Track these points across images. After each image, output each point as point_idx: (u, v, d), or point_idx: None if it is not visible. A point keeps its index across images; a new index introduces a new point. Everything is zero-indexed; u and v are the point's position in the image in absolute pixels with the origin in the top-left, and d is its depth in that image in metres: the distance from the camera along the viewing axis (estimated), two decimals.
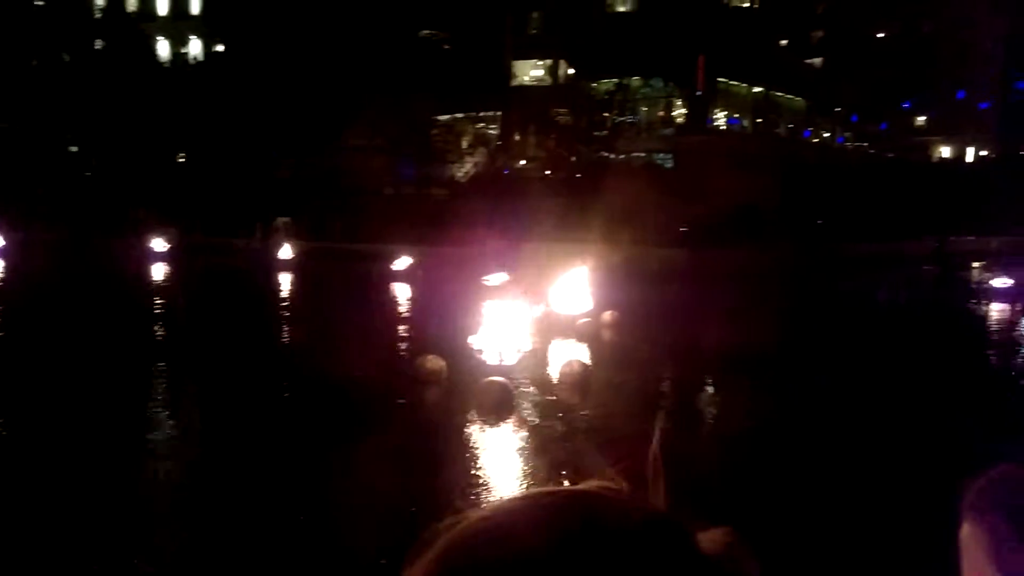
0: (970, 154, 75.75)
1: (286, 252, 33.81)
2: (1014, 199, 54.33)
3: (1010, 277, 26.88)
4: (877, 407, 10.95)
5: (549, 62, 57.68)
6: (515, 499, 0.57)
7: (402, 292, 26.24)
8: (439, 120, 52.49)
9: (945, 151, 76.14)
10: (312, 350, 14.22)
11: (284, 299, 25.62)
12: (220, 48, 58.00)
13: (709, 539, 0.58)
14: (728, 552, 0.58)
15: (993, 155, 73.61)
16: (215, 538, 6.82)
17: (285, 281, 29.43)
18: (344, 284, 26.54)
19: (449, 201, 44.94)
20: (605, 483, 0.59)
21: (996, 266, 31.59)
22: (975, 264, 38.22)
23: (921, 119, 77.94)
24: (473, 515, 0.56)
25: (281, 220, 39.57)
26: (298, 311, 22.20)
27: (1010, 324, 22.20)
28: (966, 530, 0.91)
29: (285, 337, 17.32)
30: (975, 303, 25.40)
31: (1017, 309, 23.95)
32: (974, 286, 30.58)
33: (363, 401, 10.95)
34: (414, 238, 33.69)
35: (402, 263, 29.88)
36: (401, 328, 18.82)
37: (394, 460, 8.28)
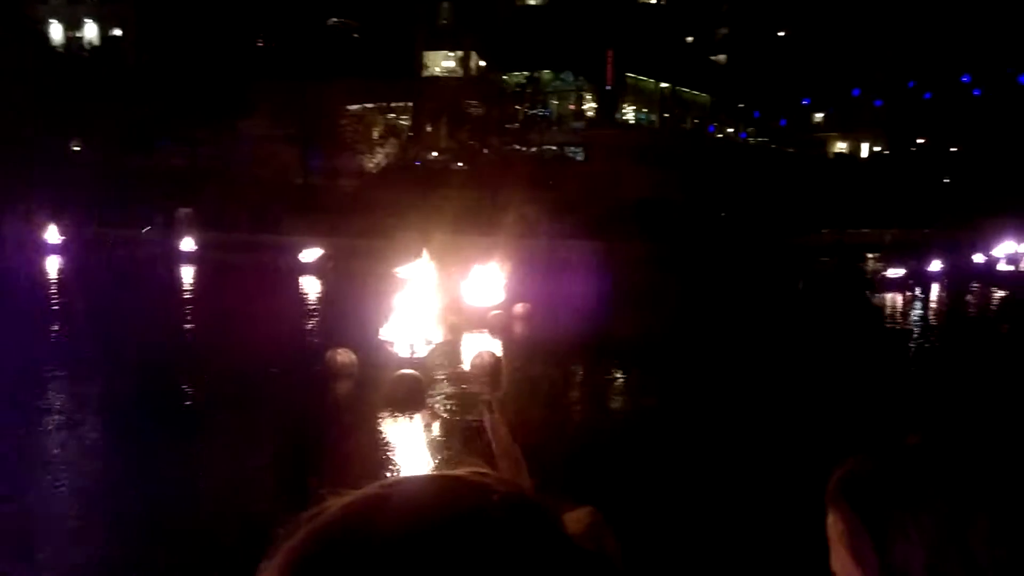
0: (865, 150, 79.12)
1: (188, 244, 32.73)
2: (905, 193, 57.00)
3: (902, 267, 28.24)
4: (769, 392, 11.31)
5: (460, 53, 57.50)
6: (377, 487, 0.57)
7: (311, 284, 25.77)
8: (349, 110, 51.67)
9: (841, 147, 79.33)
10: (217, 345, 13.81)
11: (186, 292, 24.81)
12: (117, 32, 55.69)
13: (573, 519, 0.58)
14: (590, 532, 0.58)
15: (886, 151, 77.09)
16: (101, 545, 6.53)
17: (188, 274, 28.52)
18: (250, 276, 25.86)
19: (359, 192, 44.35)
20: (475, 468, 0.59)
21: (890, 257, 33.12)
22: (870, 255, 39.97)
23: (819, 116, 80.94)
24: (334, 504, 0.56)
25: (183, 211, 38.28)
26: (202, 305, 21.53)
27: (902, 312, 23.31)
28: (829, 520, 0.94)
29: (188, 332, 16.78)
30: (869, 292, 26.55)
31: (908, 297, 25.18)
32: (869, 276, 31.94)
33: (271, 396, 10.71)
34: (323, 229, 33.10)
35: (311, 255, 29.32)
36: (310, 321, 18.49)
37: (303, 455, 8.12)
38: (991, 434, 0.95)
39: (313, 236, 30.58)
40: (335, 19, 54.79)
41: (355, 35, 54.07)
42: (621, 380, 13.30)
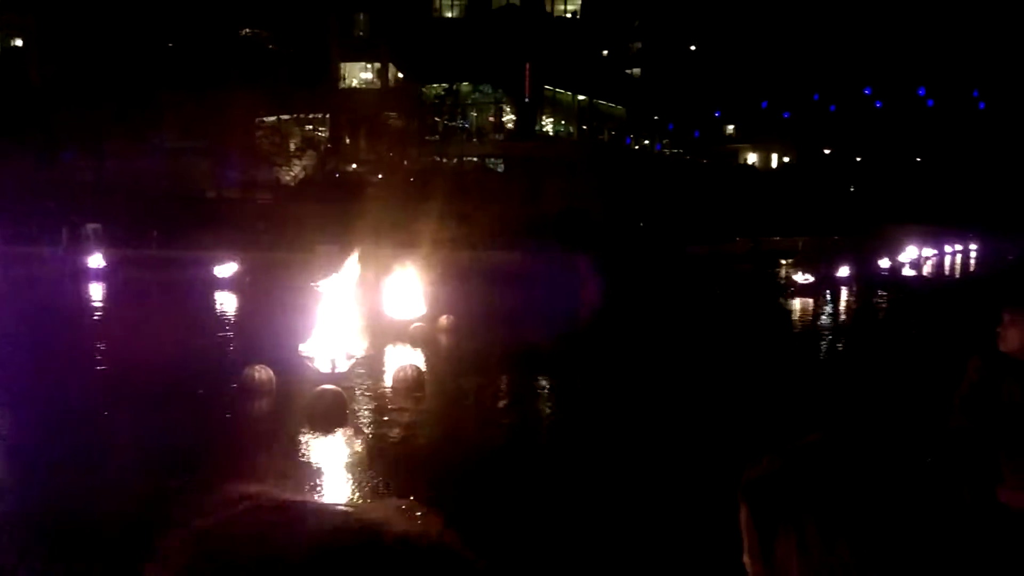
0: (775, 160, 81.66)
1: (97, 260, 31.52)
2: (815, 202, 58.97)
3: (813, 273, 29.19)
4: (685, 396, 11.49)
5: (377, 65, 57.12)
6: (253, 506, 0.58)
7: (228, 300, 25.12)
8: (264, 121, 50.73)
9: (752, 157, 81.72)
10: (130, 364, 13.29)
11: (96, 311, 23.87)
12: (18, 43, 53.47)
13: (422, 533, 0.59)
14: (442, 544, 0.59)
15: (793, 161, 79.71)
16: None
17: (97, 291, 27.46)
18: (164, 293, 25.05)
19: (277, 205, 43.53)
20: (397, 503, 0.61)
21: (801, 263, 34.19)
22: (784, 261, 41.18)
23: (731, 128, 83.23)
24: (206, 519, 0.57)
25: (91, 226, 36.88)
26: (112, 323, 20.74)
27: (813, 316, 24.06)
28: (740, 515, 1.01)
29: (98, 352, 16.12)
30: (782, 297, 27.34)
31: (818, 302, 26.02)
32: (782, 282, 32.90)
33: (188, 416, 10.34)
34: (240, 244, 32.35)
35: (227, 270, 28.60)
36: (227, 338, 17.99)
37: (221, 476, 7.85)
38: (873, 441, 1.00)
39: (229, 250, 29.84)
40: (248, 29, 53.77)
41: (269, 46, 53.14)
42: (545, 390, 13.33)
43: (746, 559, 0.98)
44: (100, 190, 41.28)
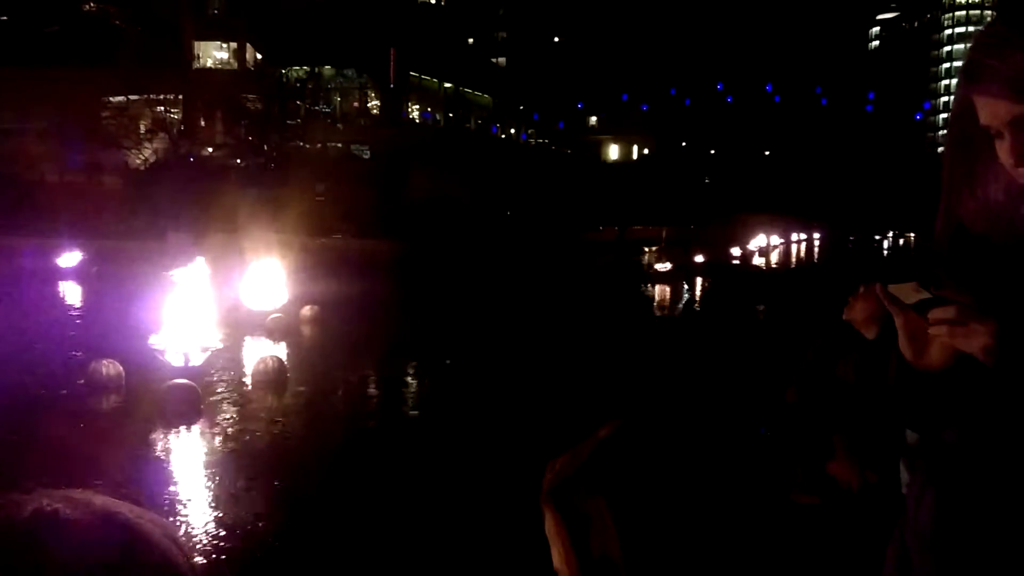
0: (635, 151, 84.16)
1: None
2: (673, 192, 61.11)
3: (670, 261, 30.30)
4: (536, 379, 11.68)
5: (234, 45, 54.96)
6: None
7: (71, 291, 23.64)
8: (111, 101, 47.83)
9: (614, 148, 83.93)
10: None
11: None
12: None
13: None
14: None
15: (652, 152, 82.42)
16: None
17: None
18: (0, 283, 23.30)
19: (126, 190, 41.24)
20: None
21: (662, 251, 35.42)
22: (647, 249, 42.57)
23: (593, 119, 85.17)
24: None
25: None
26: None
27: (671, 301, 25.01)
28: (545, 520, 1.01)
29: None
30: (641, 284, 28.23)
31: (674, 288, 27.07)
32: (645, 270, 33.96)
33: (26, 414, 9.65)
34: (85, 231, 30.46)
35: (71, 259, 26.91)
36: (72, 331, 16.92)
37: (66, 478, 7.36)
38: (665, 426, 1.04)
39: (73, 238, 28.06)
40: (92, 4, 50.55)
41: (116, 22, 50.13)
42: (408, 380, 13.24)
43: (559, 566, 0.97)
44: None
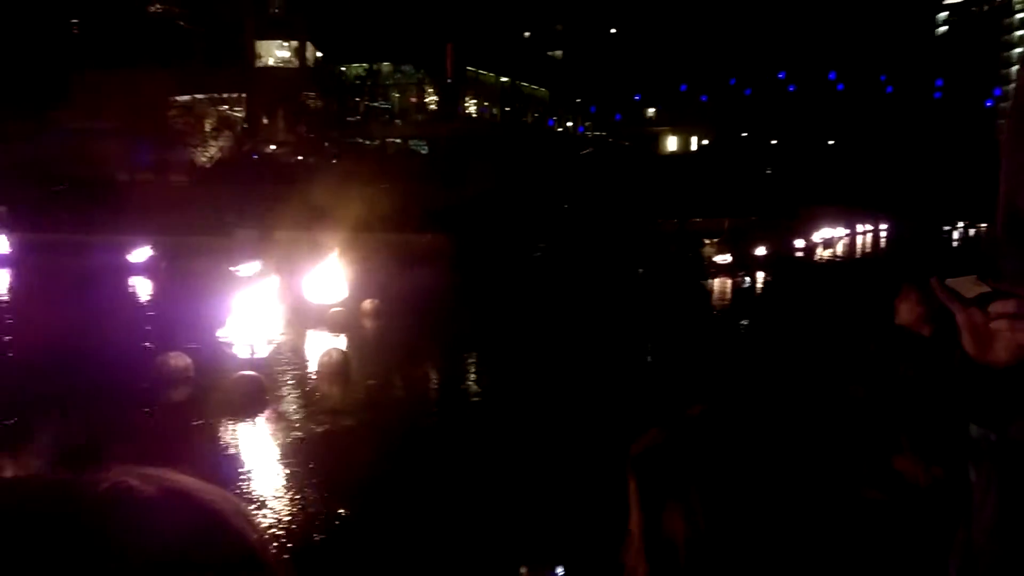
0: (694, 143, 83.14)
1: (2, 246, 30.18)
2: (734, 183, 60.15)
3: (731, 254, 29.90)
4: (608, 372, 11.67)
5: (295, 44, 55.88)
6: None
7: (142, 285, 24.35)
8: (177, 101, 49.11)
9: (673, 140, 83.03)
10: (41, 351, 12.77)
11: (2, 298, 22.86)
12: None
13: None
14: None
15: (711, 143, 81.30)
16: None
17: (2, 278, 26.29)
18: (75, 279, 24.12)
19: (192, 187, 42.31)
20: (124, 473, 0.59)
21: (723, 244, 34.98)
22: (707, 241, 42.05)
23: (651, 111, 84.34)
24: None
25: None
26: (21, 311, 19.89)
27: (734, 293, 24.71)
28: (630, 486, 1.05)
29: (7, 340, 15.45)
30: (702, 277, 27.92)
31: (736, 281, 26.72)
32: (705, 262, 33.52)
33: (100, 405, 10.01)
34: (154, 227, 31.31)
35: (141, 254, 27.71)
36: (142, 324, 17.46)
37: (136, 462, 7.62)
38: (754, 412, 1.04)
39: (143, 235, 28.89)
40: (158, 6, 51.90)
41: (181, 23, 51.40)
42: (471, 372, 13.35)
43: (633, 527, 1.02)
44: (7, 173, 39.39)
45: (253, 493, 7.43)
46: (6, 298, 23.01)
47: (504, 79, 65.13)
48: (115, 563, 0.53)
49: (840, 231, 52.30)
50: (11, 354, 14.06)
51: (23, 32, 43.38)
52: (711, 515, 0.97)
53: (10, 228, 32.46)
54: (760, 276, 29.11)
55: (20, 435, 8.91)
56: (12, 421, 9.37)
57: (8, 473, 0.60)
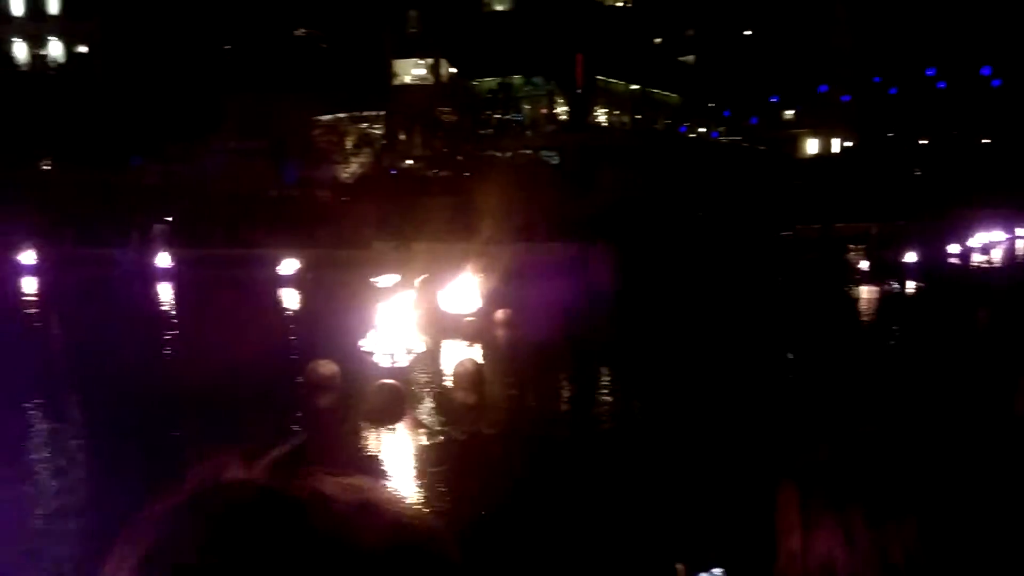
0: (836, 145, 79.83)
1: (164, 260, 32.44)
2: (880, 186, 57.47)
3: (880, 260, 28.57)
4: (747, 387, 11.37)
5: (430, 61, 57.50)
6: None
7: (290, 297, 25.62)
8: (321, 120, 51.51)
9: (813, 143, 80.00)
10: (200, 359, 13.69)
11: (166, 309, 24.61)
12: (82, 49, 55.16)
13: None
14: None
15: (855, 145, 77.81)
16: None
17: (165, 291, 28.27)
18: (229, 291, 25.69)
19: (335, 202, 44.20)
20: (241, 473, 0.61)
21: (869, 250, 33.46)
22: (852, 247, 40.26)
23: (789, 113, 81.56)
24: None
25: (158, 227, 37.93)
26: (182, 321, 21.36)
27: (878, 303, 23.56)
28: (786, 498, 1.00)
29: (170, 349, 16.63)
30: (848, 286, 26.75)
31: (885, 289, 25.45)
32: (851, 269, 32.13)
33: (257, 409, 10.62)
34: (300, 241, 32.92)
35: (289, 267, 29.17)
36: (291, 333, 18.38)
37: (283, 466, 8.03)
38: (926, 434, 0.99)
39: (290, 248, 30.43)
40: (302, 30, 54.62)
41: (323, 45, 53.91)
42: (605, 383, 13.33)
43: (793, 547, 0.97)
44: (167, 192, 42.43)
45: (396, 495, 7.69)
46: (170, 310, 24.74)
47: (634, 87, 64.69)
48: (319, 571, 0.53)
49: (998, 235, 48.93)
50: (178, 360, 15.12)
51: (182, 61, 46.60)
52: (876, 537, 0.92)
53: (172, 244, 34.90)
54: (910, 284, 27.64)
55: (211, 437, 9.57)
56: (195, 422, 10.08)
57: (226, 475, 0.62)
